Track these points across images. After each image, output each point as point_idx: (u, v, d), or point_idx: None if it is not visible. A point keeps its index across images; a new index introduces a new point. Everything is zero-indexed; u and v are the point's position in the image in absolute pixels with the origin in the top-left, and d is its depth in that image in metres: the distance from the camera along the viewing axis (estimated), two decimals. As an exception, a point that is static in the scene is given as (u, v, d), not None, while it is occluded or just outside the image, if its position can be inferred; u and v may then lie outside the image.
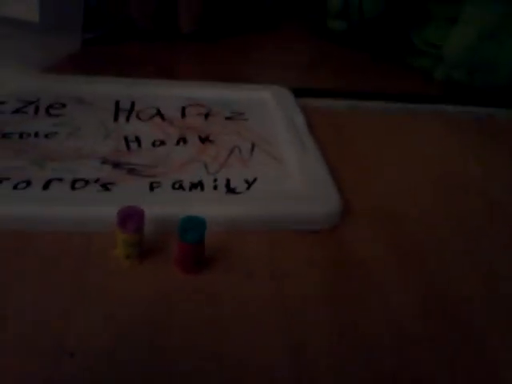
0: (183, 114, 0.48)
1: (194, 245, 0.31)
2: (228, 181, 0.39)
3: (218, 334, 0.28)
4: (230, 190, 0.38)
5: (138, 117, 0.47)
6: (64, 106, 0.47)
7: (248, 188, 0.38)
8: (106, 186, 0.37)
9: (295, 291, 0.32)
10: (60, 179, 0.37)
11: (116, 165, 0.39)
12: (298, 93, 0.54)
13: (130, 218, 0.31)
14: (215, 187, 0.38)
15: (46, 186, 0.36)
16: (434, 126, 0.55)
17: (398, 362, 0.28)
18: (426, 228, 0.39)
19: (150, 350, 0.27)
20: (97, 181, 0.37)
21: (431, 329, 0.30)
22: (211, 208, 0.35)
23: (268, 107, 0.50)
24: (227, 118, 0.48)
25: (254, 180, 0.39)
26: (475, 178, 0.46)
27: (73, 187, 0.36)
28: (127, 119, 0.46)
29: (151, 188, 0.37)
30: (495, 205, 0.43)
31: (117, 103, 0.48)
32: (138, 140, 0.43)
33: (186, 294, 0.30)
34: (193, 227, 0.31)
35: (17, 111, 0.45)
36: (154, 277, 0.31)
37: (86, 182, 0.37)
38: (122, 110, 0.47)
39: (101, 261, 0.32)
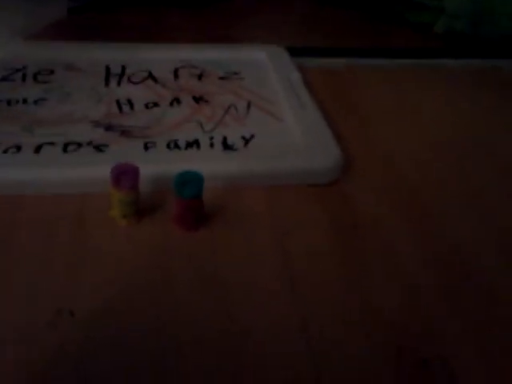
0: (176, 76, 0.46)
1: (191, 200, 0.30)
2: (225, 138, 0.37)
3: (218, 292, 0.27)
4: (227, 146, 0.36)
5: (129, 80, 0.45)
6: (52, 72, 0.45)
7: (245, 145, 0.37)
8: (99, 148, 0.36)
9: (297, 247, 0.31)
10: (51, 143, 0.36)
11: (108, 127, 0.38)
12: (294, 52, 0.52)
13: (125, 175, 0.29)
14: (211, 145, 0.37)
15: (37, 150, 0.35)
16: (435, 81, 0.53)
17: (408, 316, 0.27)
18: (428, 181, 0.38)
19: (150, 309, 0.26)
20: (89, 143, 0.36)
21: (442, 281, 0.29)
22: (208, 165, 0.34)
23: (263, 66, 0.49)
24: (222, 78, 0.46)
25: (252, 137, 0.38)
26: (480, 132, 0.45)
27: (65, 150, 0.35)
28: (118, 83, 0.45)
29: (145, 148, 0.36)
30: (500, 159, 0.41)
31: (107, 68, 0.47)
32: (130, 103, 0.42)
33: (185, 252, 0.30)
34: (190, 182, 0.30)
35: (3, 79, 0.44)
36: (152, 235, 0.30)
37: (79, 145, 0.36)
38: (113, 75, 0.46)
39: (97, 222, 0.31)
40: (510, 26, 0.58)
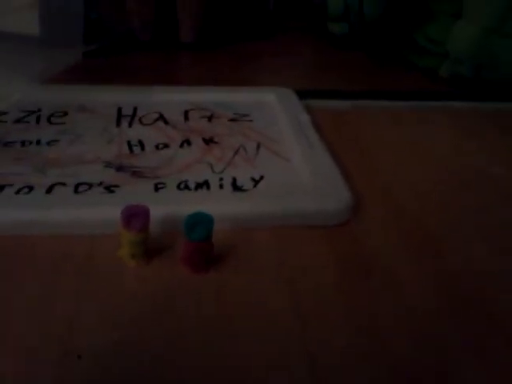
0: (186, 118, 0.47)
1: (201, 243, 0.30)
2: (234, 179, 0.38)
3: (228, 335, 0.27)
4: (237, 187, 0.37)
5: (140, 122, 0.46)
6: (66, 114, 0.46)
7: (255, 186, 0.37)
8: (109, 189, 0.36)
9: (307, 289, 0.30)
10: (63, 184, 0.36)
11: (119, 168, 0.39)
12: (302, 95, 0.53)
13: (135, 216, 0.30)
14: (221, 186, 0.37)
15: (48, 191, 0.35)
16: (440, 123, 0.54)
17: (414, 349, 0.26)
18: (437, 220, 0.37)
19: (158, 351, 0.26)
20: (100, 184, 0.36)
21: (445, 316, 0.29)
22: (218, 206, 0.34)
23: (272, 108, 0.50)
24: (231, 120, 0.47)
25: (261, 178, 0.38)
26: (484, 170, 0.45)
27: (76, 191, 0.35)
28: (130, 124, 0.46)
29: (156, 189, 0.36)
30: (505, 194, 0.41)
31: (119, 109, 0.48)
32: (141, 144, 0.42)
33: (194, 294, 0.29)
34: (200, 224, 0.30)
35: (18, 121, 0.45)
36: (160, 277, 0.30)
37: (90, 186, 0.36)
38: (125, 116, 0.47)
39: (106, 262, 0.31)
40: (510, 70, 0.59)
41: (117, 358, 0.25)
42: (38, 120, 0.45)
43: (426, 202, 0.40)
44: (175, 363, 0.25)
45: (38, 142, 0.42)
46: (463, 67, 0.60)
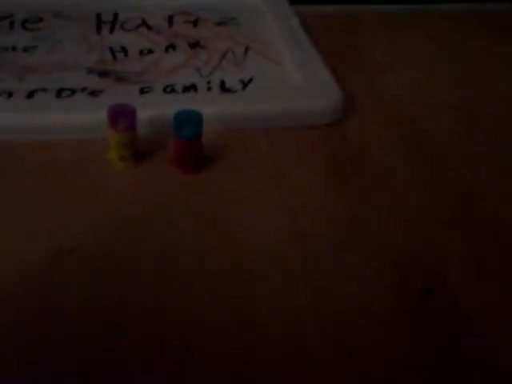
0: (170, 23, 0.45)
1: (190, 141, 0.29)
2: (222, 82, 0.36)
3: (221, 233, 0.27)
4: (225, 89, 0.35)
5: (122, 28, 0.44)
6: (41, 20, 0.44)
7: (244, 88, 0.36)
8: (93, 94, 0.35)
9: (299, 187, 0.30)
10: (44, 89, 0.35)
11: (103, 73, 0.37)
12: (292, -1, 0.50)
13: (122, 115, 0.29)
14: (209, 88, 0.36)
15: (29, 96, 0.34)
16: (434, 25, 0.52)
17: (407, 245, 0.27)
18: (428, 119, 0.37)
19: (150, 249, 0.26)
20: (84, 89, 0.35)
21: (440, 211, 0.29)
22: (207, 107, 0.32)
23: (261, 11, 0.47)
24: (218, 24, 0.45)
25: (250, 80, 0.37)
26: (475, 70, 0.44)
27: (58, 96, 0.34)
28: (111, 31, 0.43)
29: (142, 92, 0.35)
30: (494, 96, 0.41)
31: (98, 15, 0.45)
32: (124, 50, 0.40)
33: (185, 193, 0.29)
34: (188, 122, 0.29)
35: (-10, 27, 0.42)
36: (149, 177, 0.30)
37: (73, 91, 0.35)
38: (105, 22, 0.44)
39: (94, 165, 0.30)
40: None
41: (108, 254, 0.25)
42: (11, 25, 0.42)
43: (418, 103, 0.39)
44: (163, 259, 0.25)
45: (14, 49, 0.39)
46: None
